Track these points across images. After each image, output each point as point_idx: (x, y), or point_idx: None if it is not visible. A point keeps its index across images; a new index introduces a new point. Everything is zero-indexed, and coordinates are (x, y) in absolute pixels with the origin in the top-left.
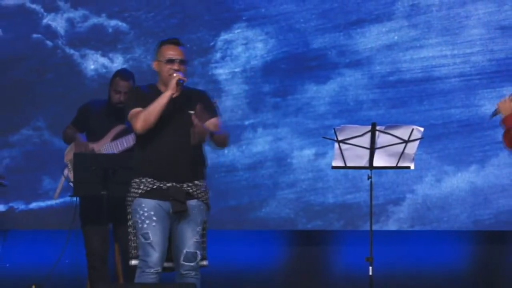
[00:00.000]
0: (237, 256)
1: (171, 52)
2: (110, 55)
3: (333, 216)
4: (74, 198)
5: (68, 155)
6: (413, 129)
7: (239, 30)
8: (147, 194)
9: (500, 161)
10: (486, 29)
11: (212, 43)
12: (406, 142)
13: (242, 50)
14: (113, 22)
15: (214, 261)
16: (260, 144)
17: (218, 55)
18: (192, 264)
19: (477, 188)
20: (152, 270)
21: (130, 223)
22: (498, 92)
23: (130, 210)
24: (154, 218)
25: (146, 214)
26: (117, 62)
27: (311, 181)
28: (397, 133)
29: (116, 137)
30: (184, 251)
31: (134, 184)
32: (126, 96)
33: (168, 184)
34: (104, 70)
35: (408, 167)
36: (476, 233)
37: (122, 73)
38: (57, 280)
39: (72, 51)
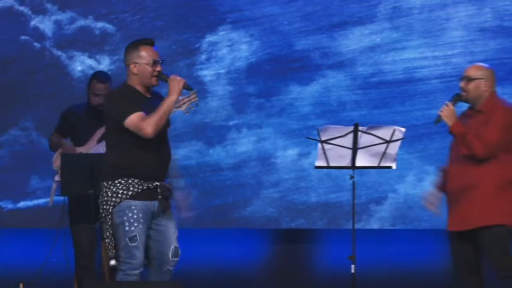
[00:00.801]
0: (221, 254)
1: (152, 53)
2: (97, 56)
3: (316, 215)
4: (62, 198)
5: (56, 162)
6: (394, 130)
7: (223, 32)
8: (138, 196)
9: None
10: (466, 31)
11: (197, 45)
12: (388, 142)
13: (227, 52)
14: (100, 24)
15: (199, 259)
16: (244, 144)
17: (203, 56)
18: (177, 258)
19: None
20: (136, 272)
21: (110, 223)
22: None
23: (113, 210)
24: (142, 220)
25: (135, 216)
26: (104, 64)
27: (294, 181)
28: (379, 134)
29: (101, 139)
30: (172, 246)
31: (119, 185)
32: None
33: (155, 183)
34: (91, 71)
35: (390, 167)
36: None
37: (99, 76)
38: (45, 278)
39: (59, 53)
